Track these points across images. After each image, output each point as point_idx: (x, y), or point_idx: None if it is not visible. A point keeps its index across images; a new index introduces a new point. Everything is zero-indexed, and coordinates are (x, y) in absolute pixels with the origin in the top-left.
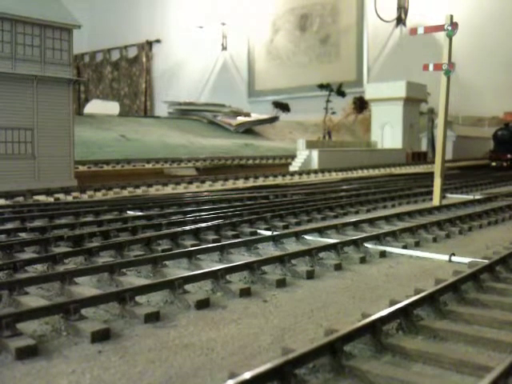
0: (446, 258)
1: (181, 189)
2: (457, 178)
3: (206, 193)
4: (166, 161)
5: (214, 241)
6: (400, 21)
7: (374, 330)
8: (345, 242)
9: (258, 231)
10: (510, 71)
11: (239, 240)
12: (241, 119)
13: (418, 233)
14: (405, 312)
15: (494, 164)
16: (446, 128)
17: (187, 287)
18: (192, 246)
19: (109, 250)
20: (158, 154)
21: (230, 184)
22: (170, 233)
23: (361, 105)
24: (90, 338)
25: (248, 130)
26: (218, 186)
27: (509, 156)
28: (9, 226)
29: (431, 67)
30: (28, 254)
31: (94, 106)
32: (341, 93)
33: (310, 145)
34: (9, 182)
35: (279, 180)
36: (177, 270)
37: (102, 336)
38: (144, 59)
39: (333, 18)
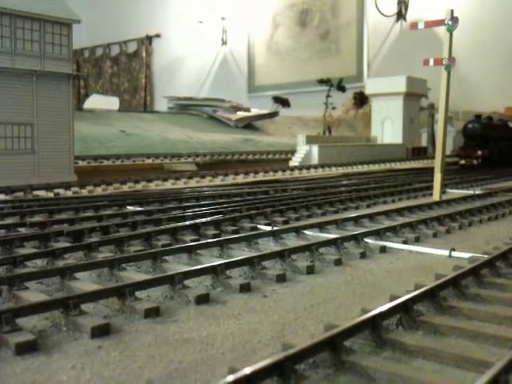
0: (446, 253)
1: (181, 184)
2: (457, 173)
3: (205, 188)
4: (166, 156)
5: (214, 236)
6: (400, 15)
7: (374, 325)
8: (345, 238)
9: (258, 226)
10: (511, 66)
11: (239, 235)
12: (240, 114)
13: (418, 228)
14: (405, 307)
15: (462, 162)
16: (447, 123)
17: (187, 282)
18: (192, 241)
19: (109, 245)
20: (157, 149)
21: (229, 179)
22: (169, 228)
23: (361, 100)
24: (90, 333)
25: (248, 125)
26: (218, 181)
27: (479, 153)
28: (8, 221)
29: (431, 62)
30: (28, 249)
31: (94, 101)
32: (341, 88)
33: (310, 140)
34: (8, 177)
35: (279, 175)
36: (177, 265)
37: (101, 331)
38: (144, 54)
39: (333, 14)
